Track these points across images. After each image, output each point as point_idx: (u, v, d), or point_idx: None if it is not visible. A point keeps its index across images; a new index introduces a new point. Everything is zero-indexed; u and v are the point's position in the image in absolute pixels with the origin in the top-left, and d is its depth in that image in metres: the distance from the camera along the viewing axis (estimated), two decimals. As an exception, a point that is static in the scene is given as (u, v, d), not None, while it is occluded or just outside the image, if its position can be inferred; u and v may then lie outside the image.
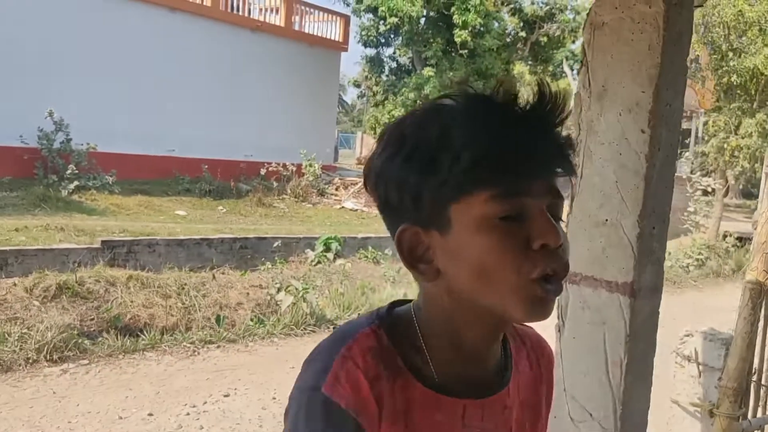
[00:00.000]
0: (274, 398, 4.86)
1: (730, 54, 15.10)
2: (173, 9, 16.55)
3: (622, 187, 1.17)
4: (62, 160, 13.68)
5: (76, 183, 13.25)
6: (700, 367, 2.18)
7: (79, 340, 5.49)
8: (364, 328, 0.83)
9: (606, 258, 1.20)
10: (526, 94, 0.79)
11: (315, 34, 20.78)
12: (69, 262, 7.98)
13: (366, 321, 0.85)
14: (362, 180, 0.88)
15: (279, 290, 7.29)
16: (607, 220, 1.19)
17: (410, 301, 0.89)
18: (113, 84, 15.20)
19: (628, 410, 1.19)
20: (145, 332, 6.17)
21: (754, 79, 14.41)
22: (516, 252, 0.75)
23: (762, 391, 2.21)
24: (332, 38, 21.18)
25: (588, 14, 1.20)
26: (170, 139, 16.46)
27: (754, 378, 2.15)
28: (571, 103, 0.79)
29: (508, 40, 20.85)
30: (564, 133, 0.81)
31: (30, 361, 5.10)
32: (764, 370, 2.23)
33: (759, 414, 2.24)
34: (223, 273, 8.53)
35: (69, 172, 13.35)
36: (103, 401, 4.63)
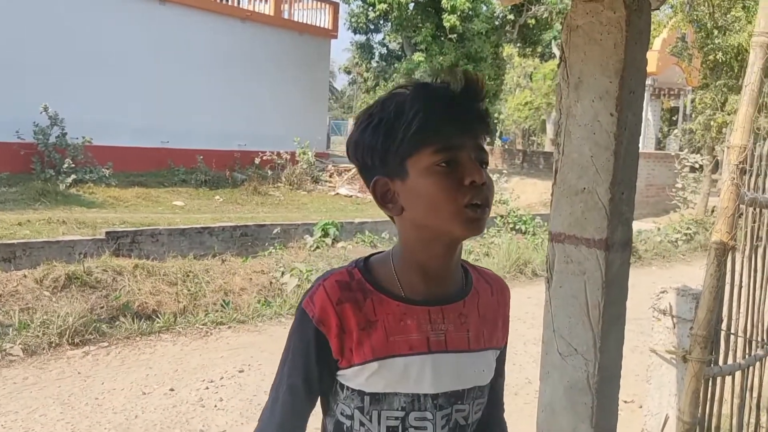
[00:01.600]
0: (286, 372, 5.11)
1: (716, 32, 15.26)
2: (163, 1, 16.64)
3: (596, 160, 1.42)
4: (58, 154, 13.81)
5: (73, 177, 13.39)
6: (674, 319, 2.44)
7: (98, 325, 5.73)
8: (341, 270, 1.16)
9: (585, 220, 1.45)
10: (457, 80, 1.12)
11: (304, 22, 20.86)
12: (75, 254, 8.19)
13: (345, 266, 1.18)
14: (346, 151, 1.19)
15: (283, 273, 7.53)
16: (584, 188, 1.44)
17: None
18: (106, 77, 15.28)
19: (605, 344, 1.45)
20: (155, 317, 6.40)
21: (739, 56, 14.61)
22: (453, 187, 1.05)
23: (731, 340, 2.47)
24: (322, 26, 21.25)
25: (565, 18, 1.44)
26: (164, 130, 16.59)
27: (724, 328, 2.42)
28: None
29: (496, 23, 20.96)
30: (483, 106, 1.13)
31: (53, 345, 5.33)
32: (733, 319, 2.49)
33: (729, 361, 2.51)
34: (225, 260, 8.77)
35: (66, 166, 13.50)
36: (125, 379, 4.87)
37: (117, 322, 6.07)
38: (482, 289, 1.23)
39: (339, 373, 1.13)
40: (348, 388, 1.13)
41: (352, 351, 1.10)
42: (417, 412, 1.12)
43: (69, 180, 13.24)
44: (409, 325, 1.12)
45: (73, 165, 13.64)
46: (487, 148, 1.15)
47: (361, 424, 1.13)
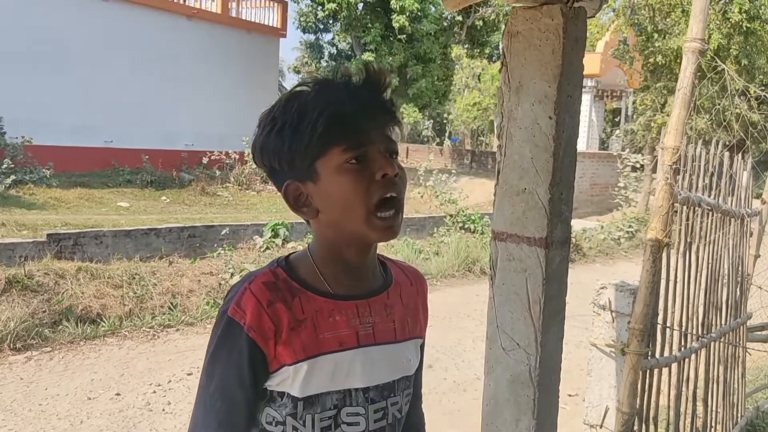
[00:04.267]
0: (234, 375, 5.08)
1: (656, 35, 15.77)
2: (107, -3, 16.26)
3: (536, 162, 1.47)
4: (-3, 154, 13.40)
5: (12, 177, 12.97)
6: (613, 314, 2.54)
7: (41, 329, 5.57)
8: (264, 270, 1.12)
9: (526, 219, 1.50)
10: (357, 73, 1.11)
11: (252, 20, 20.68)
12: (15, 257, 7.94)
13: (266, 267, 1.14)
14: (252, 156, 1.17)
15: (233, 275, 7.46)
16: (525, 189, 1.49)
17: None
18: (47, 74, 14.86)
19: (546, 338, 1.51)
20: (100, 321, 6.26)
21: (678, 59, 15.11)
22: (365, 183, 1.05)
23: (667, 333, 2.58)
24: (270, 24, 21.10)
25: (506, 25, 1.49)
26: (108, 129, 16.20)
27: (660, 321, 2.52)
28: (389, 75, 1.15)
29: (445, 24, 21.16)
30: (387, 97, 1.11)
31: (-6, 350, 5.19)
32: (668, 313, 2.60)
33: (666, 353, 2.62)
34: (172, 262, 8.62)
35: (5, 166, 13.07)
36: (70, 384, 4.76)
37: (60, 327, 5.92)
38: (402, 281, 1.25)
39: (271, 378, 1.09)
40: (279, 394, 1.10)
41: (284, 352, 1.07)
42: (349, 407, 1.12)
43: (8, 181, 12.82)
44: (338, 320, 1.11)
45: (12, 165, 13.21)
46: (395, 137, 1.15)
47: (294, 429, 1.10)
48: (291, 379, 1.08)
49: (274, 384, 1.10)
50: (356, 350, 1.12)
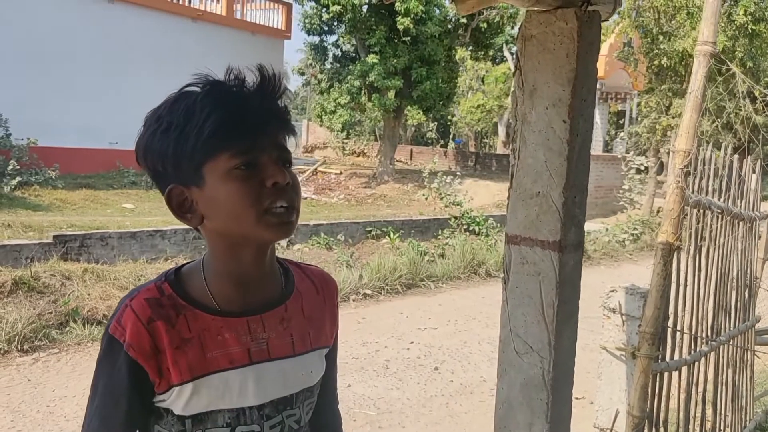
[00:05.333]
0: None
1: (661, 37, 15.72)
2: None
3: (550, 165, 1.47)
4: (2, 156, 13.42)
5: (18, 179, 13.03)
6: (623, 317, 2.53)
7: (48, 331, 5.58)
8: (149, 285, 1.08)
9: (540, 222, 1.50)
10: (251, 76, 1.04)
11: (257, 22, 20.72)
12: (21, 258, 7.97)
13: (153, 280, 1.10)
14: (135, 156, 1.10)
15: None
16: (539, 192, 1.50)
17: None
18: (53, 76, 14.91)
19: (559, 342, 1.51)
20: (105, 323, 6.27)
21: (683, 61, 15.09)
22: (254, 191, 1.00)
23: (677, 337, 2.57)
24: (275, 26, 21.15)
25: (520, 28, 1.49)
26: (113, 131, 16.22)
27: (670, 324, 2.52)
28: (288, 82, 1.07)
29: (449, 26, 21.14)
30: (282, 104, 1.06)
31: (1, 351, 5.18)
32: (678, 316, 2.60)
33: (676, 357, 2.62)
34: (178, 263, 8.64)
35: (10, 168, 13.11)
36: (77, 386, 4.76)
37: (67, 328, 5.93)
38: (305, 289, 1.20)
39: (157, 398, 1.06)
40: (165, 410, 1.06)
41: (169, 372, 1.03)
42: (243, 426, 1.08)
43: (14, 182, 12.87)
44: (227, 338, 1.06)
45: (17, 167, 13.26)
46: (291, 147, 1.10)
47: None
48: (179, 398, 1.05)
49: (161, 403, 1.06)
50: (248, 368, 1.08)
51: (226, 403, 1.06)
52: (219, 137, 0.99)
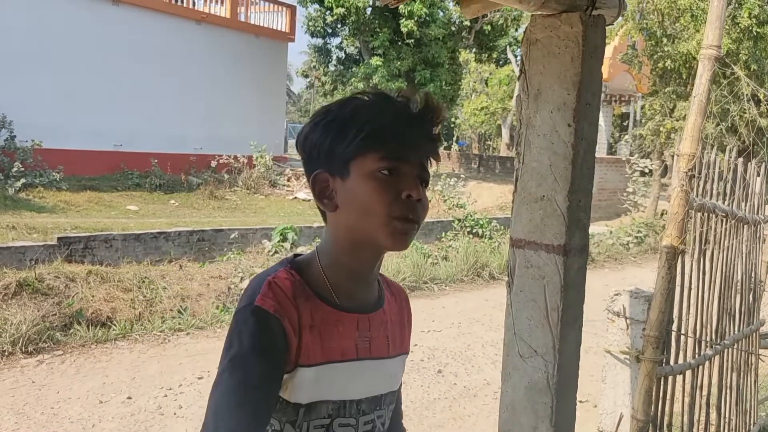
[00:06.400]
0: (245, 379, 5.09)
1: (665, 40, 15.70)
2: (116, 2, 16.34)
3: (554, 169, 1.47)
4: (7, 157, 13.46)
5: (23, 181, 13.05)
6: (628, 320, 2.53)
7: (52, 333, 5.60)
8: (279, 269, 1.11)
9: (544, 226, 1.50)
10: (417, 101, 1.14)
11: (261, 24, 20.74)
12: (26, 260, 7.98)
13: (279, 265, 1.14)
14: (295, 143, 1.20)
15: (242, 279, 7.48)
16: (544, 196, 1.49)
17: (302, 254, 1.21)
18: (57, 79, 14.94)
19: (564, 346, 1.50)
20: (110, 325, 6.28)
21: (687, 64, 15.06)
22: (389, 196, 1.07)
23: (681, 340, 2.57)
24: (278, 29, 21.17)
25: (524, 32, 1.49)
26: (117, 133, 16.28)
27: (674, 328, 2.51)
28: (446, 113, 1.18)
29: (453, 29, 21.17)
30: (437, 130, 1.15)
31: (6, 353, 5.20)
32: (683, 320, 2.60)
33: (680, 360, 2.61)
34: (181, 265, 8.65)
35: (15, 170, 13.14)
36: (81, 388, 4.77)
37: (71, 330, 5.94)
38: (389, 296, 1.27)
39: (283, 380, 1.06)
40: (283, 400, 1.07)
41: (300, 352, 1.05)
42: (341, 418, 1.12)
43: (18, 184, 12.89)
44: (341, 331, 1.12)
45: (22, 169, 13.29)
46: (434, 163, 1.17)
47: None
48: (296, 383, 1.06)
49: (281, 388, 1.06)
50: (355, 362, 1.13)
51: (333, 394, 1.11)
52: (374, 139, 1.08)
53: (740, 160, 3.21)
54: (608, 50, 19.40)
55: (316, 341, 1.08)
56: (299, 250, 10.14)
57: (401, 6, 18.36)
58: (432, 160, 1.15)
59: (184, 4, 18.48)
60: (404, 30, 18.89)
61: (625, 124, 25.48)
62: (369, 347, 1.16)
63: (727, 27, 14.72)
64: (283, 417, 1.08)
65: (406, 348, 1.28)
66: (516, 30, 23.02)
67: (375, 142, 1.08)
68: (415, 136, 1.11)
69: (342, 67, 22.42)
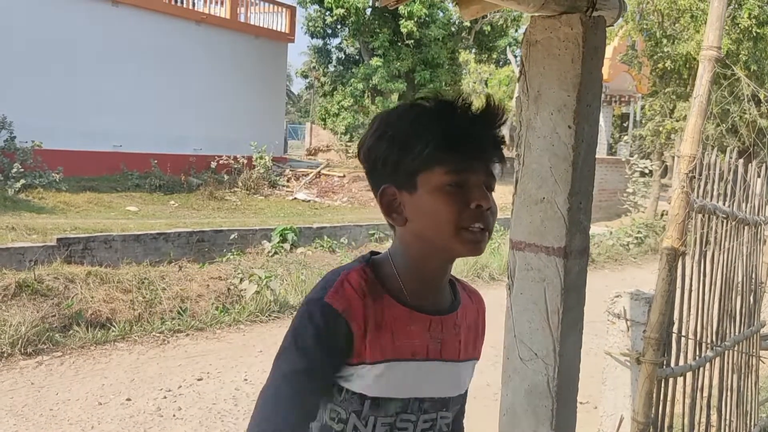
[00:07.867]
0: (246, 380, 5.08)
1: (665, 40, 15.69)
2: (116, 2, 16.33)
3: (555, 171, 1.46)
4: (7, 158, 13.44)
5: (22, 182, 13.02)
6: (628, 322, 2.52)
7: (51, 334, 5.59)
8: (356, 267, 1.15)
9: (544, 228, 1.49)
10: (478, 103, 1.14)
11: (261, 25, 20.72)
12: (25, 261, 7.98)
13: (355, 263, 1.17)
14: (357, 152, 1.21)
15: (242, 280, 7.46)
16: (544, 198, 1.49)
17: (379, 253, 1.23)
18: (57, 79, 14.93)
19: (564, 348, 1.50)
20: (110, 326, 6.27)
21: (687, 65, 15.04)
22: (458, 208, 1.08)
23: (682, 342, 2.56)
24: (278, 29, 21.14)
25: (524, 34, 1.48)
26: (117, 134, 16.26)
27: (675, 330, 2.50)
28: (510, 110, 1.16)
29: (453, 29, 21.18)
30: (501, 133, 1.15)
31: (5, 355, 5.19)
32: (683, 322, 2.59)
33: (681, 362, 2.60)
34: (181, 266, 8.64)
35: (15, 170, 13.12)
36: (80, 389, 4.76)
37: (70, 331, 5.93)
38: (466, 301, 1.27)
39: (345, 371, 1.10)
40: (347, 390, 1.12)
41: (365, 348, 1.09)
42: (404, 414, 1.15)
43: (18, 185, 12.87)
44: (413, 331, 1.14)
45: (22, 170, 13.27)
46: (497, 174, 1.18)
47: (355, 428, 1.12)
48: (366, 377, 1.10)
49: (344, 379, 1.11)
50: (425, 362, 1.15)
51: (401, 392, 1.13)
52: (439, 153, 1.08)
53: (741, 161, 3.20)
54: (608, 51, 19.38)
55: (387, 339, 1.11)
56: (299, 250, 10.14)
57: (401, 7, 18.36)
58: (500, 162, 1.16)
59: (184, 5, 18.47)
60: (404, 31, 18.90)
61: (625, 124, 25.46)
62: (440, 349, 1.17)
63: (727, 28, 14.71)
64: (349, 407, 1.12)
65: (478, 354, 1.30)
66: (516, 30, 23.01)
67: (439, 156, 1.08)
68: (479, 144, 1.12)
69: (342, 68, 22.40)
